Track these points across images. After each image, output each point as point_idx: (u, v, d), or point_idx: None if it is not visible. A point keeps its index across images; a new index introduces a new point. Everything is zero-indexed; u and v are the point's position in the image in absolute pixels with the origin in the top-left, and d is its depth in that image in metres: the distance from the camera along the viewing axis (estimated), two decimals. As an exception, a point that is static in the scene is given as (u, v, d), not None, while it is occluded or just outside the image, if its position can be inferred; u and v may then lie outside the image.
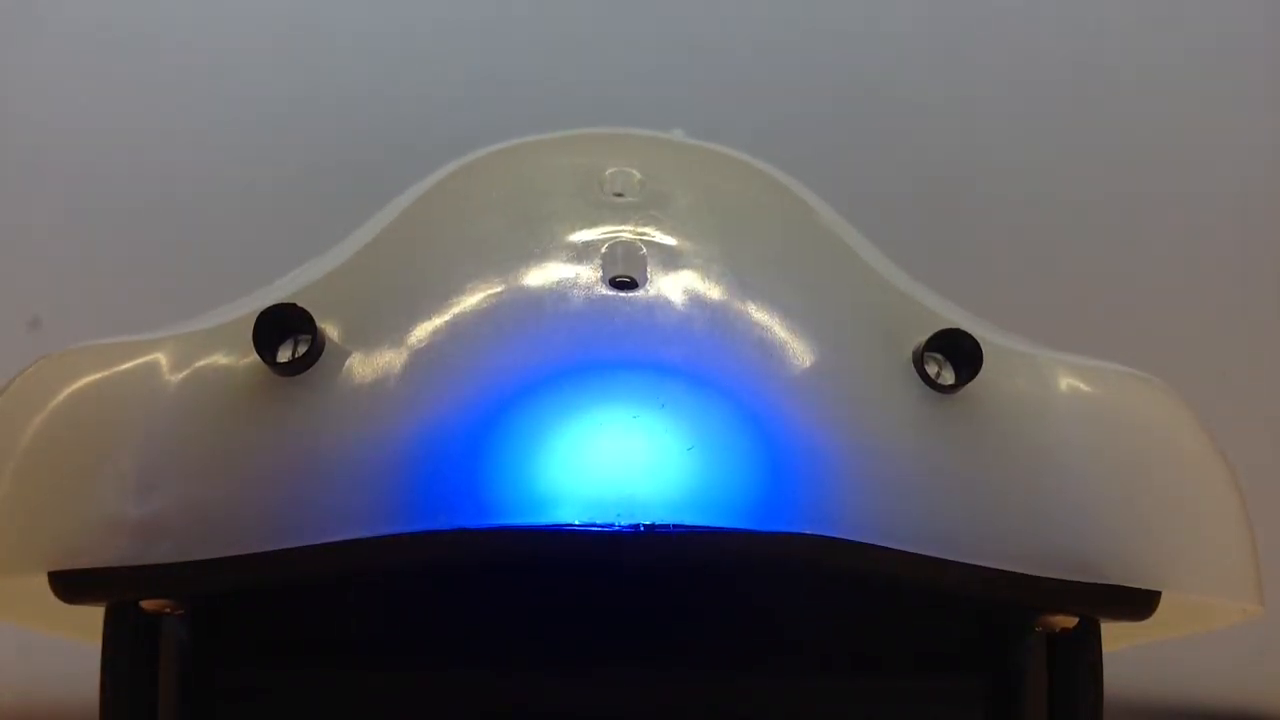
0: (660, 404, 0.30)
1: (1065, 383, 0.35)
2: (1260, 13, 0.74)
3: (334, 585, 0.40)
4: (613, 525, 0.30)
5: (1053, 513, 0.32)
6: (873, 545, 0.31)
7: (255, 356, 0.31)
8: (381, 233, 0.36)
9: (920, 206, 0.72)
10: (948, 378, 0.32)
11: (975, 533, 0.32)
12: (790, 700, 0.40)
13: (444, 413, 0.30)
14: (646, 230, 0.34)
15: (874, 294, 0.35)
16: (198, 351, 0.33)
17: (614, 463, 0.30)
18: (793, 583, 0.40)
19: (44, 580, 0.32)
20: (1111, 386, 0.36)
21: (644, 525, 0.30)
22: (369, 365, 0.31)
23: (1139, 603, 0.34)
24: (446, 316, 0.32)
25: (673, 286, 0.32)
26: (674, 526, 0.30)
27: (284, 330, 0.32)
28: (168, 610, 0.35)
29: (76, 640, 0.42)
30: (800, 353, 0.32)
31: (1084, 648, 0.35)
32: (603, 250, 0.33)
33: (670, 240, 0.34)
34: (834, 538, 0.30)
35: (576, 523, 0.30)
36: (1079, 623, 0.35)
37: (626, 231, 0.34)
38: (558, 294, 0.32)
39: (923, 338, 0.32)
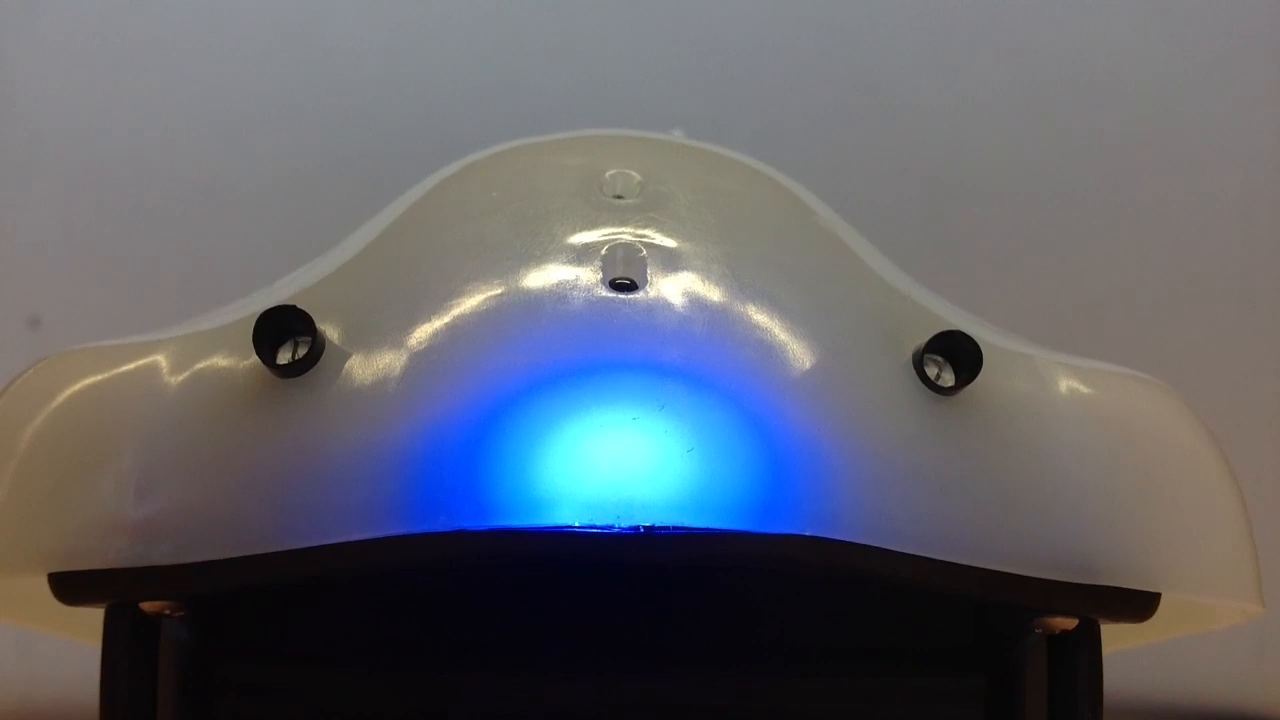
0: (660, 405, 0.30)
1: (1065, 384, 0.35)
2: (1261, 13, 0.74)
3: (333, 587, 0.40)
4: (612, 527, 0.30)
5: (1052, 514, 0.32)
6: (872, 547, 0.31)
7: (255, 358, 0.31)
8: (381, 234, 0.36)
9: (920, 207, 0.72)
10: (947, 379, 0.32)
11: (975, 534, 0.32)
12: (791, 700, 0.40)
13: (444, 414, 0.30)
14: (646, 232, 0.34)
15: (874, 295, 0.35)
16: (198, 353, 0.33)
17: (614, 464, 0.30)
18: (793, 584, 0.40)
19: (44, 581, 0.32)
20: (1111, 388, 0.36)
21: (643, 527, 0.30)
22: (369, 367, 0.31)
23: (1139, 604, 0.34)
24: (446, 318, 0.32)
25: (672, 288, 0.32)
26: (674, 528, 0.30)
27: (284, 332, 0.32)
28: (167, 611, 0.35)
29: (76, 641, 0.42)
30: (800, 354, 0.32)
31: (1084, 649, 0.35)
32: (602, 252, 0.33)
33: (670, 242, 0.34)
34: (833, 539, 0.30)
35: (576, 524, 0.30)
36: (1079, 624, 0.35)
37: (626, 233, 0.34)
38: (557, 296, 0.32)
39: (922, 339, 0.32)
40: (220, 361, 0.33)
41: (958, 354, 0.32)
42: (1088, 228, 0.73)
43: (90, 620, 0.34)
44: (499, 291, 0.32)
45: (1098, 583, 0.33)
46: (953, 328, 0.33)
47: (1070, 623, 0.35)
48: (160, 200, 0.71)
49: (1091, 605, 0.34)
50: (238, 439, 0.31)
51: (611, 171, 0.36)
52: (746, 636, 0.41)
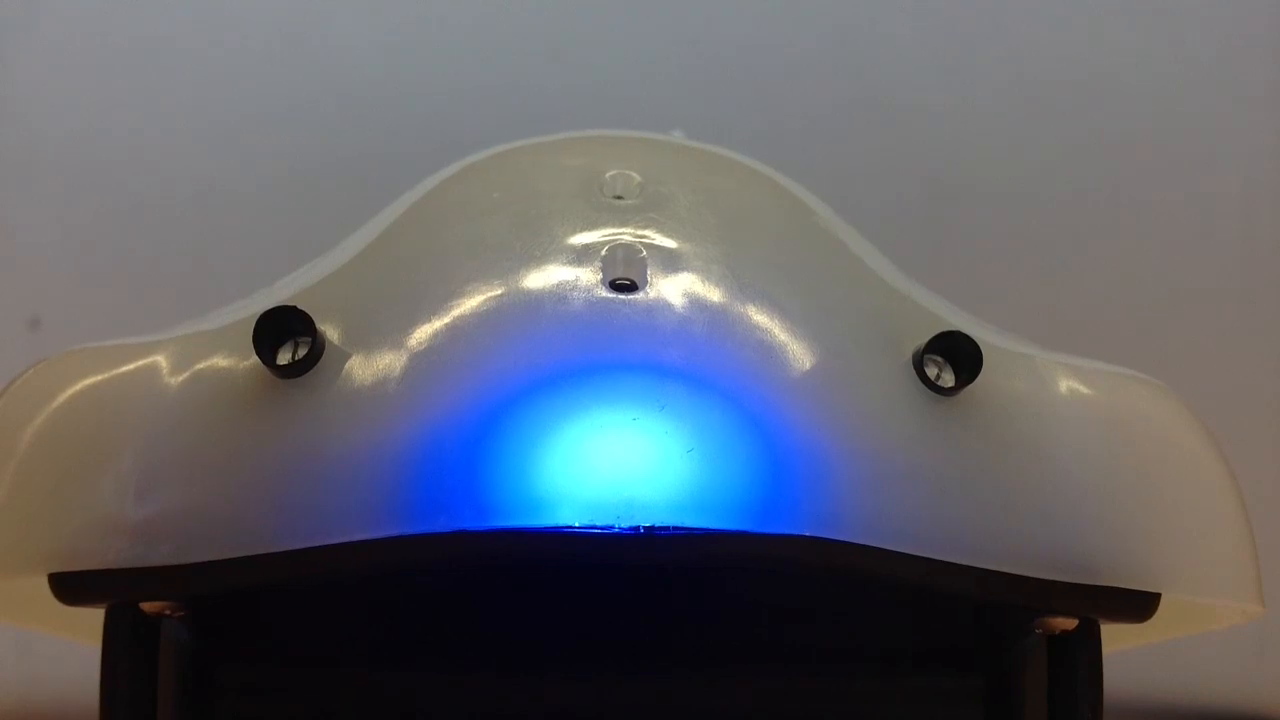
0: (660, 406, 0.30)
1: (1065, 385, 0.35)
2: (1261, 14, 0.74)
3: (334, 587, 0.40)
4: (612, 527, 0.30)
5: (1052, 514, 0.32)
6: (872, 547, 0.31)
7: (255, 359, 0.31)
8: (381, 235, 0.36)
9: (920, 208, 0.72)
10: (948, 380, 0.32)
11: (975, 534, 0.32)
12: (791, 700, 0.40)
13: (444, 415, 0.30)
14: (646, 233, 0.34)
15: (874, 296, 0.35)
16: (198, 354, 0.33)
17: (614, 465, 0.30)
18: (793, 584, 0.40)
19: (44, 582, 0.32)
20: (1111, 388, 0.36)
21: (644, 527, 0.30)
22: (369, 367, 0.31)
23: (1139, 604, 0.34)
24: (446, 319, 0.32)
25: (672, 289, 0.32)
26: (674, 528, 0.30)
27: (284, 332, 0.32)
28: (167, 612, 0.35)
29: (76, 642, 0.42)
30: (800, 355, 0.32)
31: (1084, 649, 0.35)
32: (602, 253, 0.33)
33: (670, 242, 0.34)
34: (833, 539, 0.30)
35: (576, 525, 0.30)
36: (1079, 624, 0.35)
37: (626, 234, 0.34)
38: (558, 296, 0.32)
39: (922, 340, 0.32)
40: (220, 362, 0.33)
41: (958, 354, 0.32)
42: (1088, 228, 0.73)
43: (90, 621, 0.34)
44: (499, 292, 0.32)
45: (1097, 583, 0.33)
46: (953, 328, 0.33)
47: (1070, 623, 0.35)
48: (160, 200, 0.71)
49: (1091, 605, 0.34)
50: (238, 439, 0.31)
51: (611, 172, 0.36)
52: (746, 637, 0.41)
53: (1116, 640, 0.37)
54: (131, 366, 0.34)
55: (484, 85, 0.72)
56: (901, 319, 0.34)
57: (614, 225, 0.34)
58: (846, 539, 0.30)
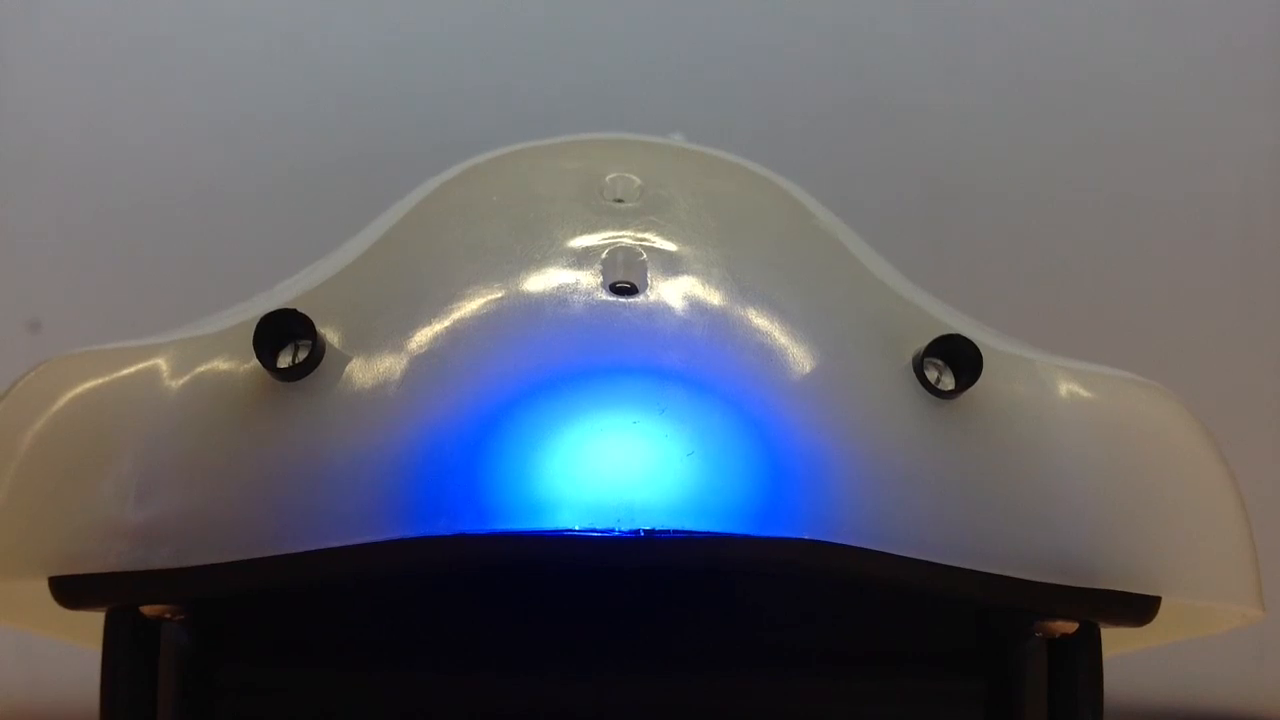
0: (660, 409, 0.30)
1: (1065, 388, 0.35)
2: (1261, 14, 0.74)
3: (334, 590, 0.40)
4: (613, 530, 0.30)
5: (1053, 518, 0.32)
6: (872, 550, 0.31)
7: (256, 362, 0.31)
8: (382, 238, 0.36)
9: (920, 211, 0.72)
10: (948, 383, 0.32)
11: (975, 537, 0.32)
12: (791, 703, 0.40)
13: (444, 418, 0.30)
14: (646, 236, 0.34)
15: (874, 299, 0.35)
16: (198, 357, 0.33)
17: (614, 468, 0.30)
18: (792, 587, 0.40)
19: (44, 585, 0.32)
20: (1111, 391, 0.36)
21: (644, 530, 0.30)
22: (369, 371, 0.31)
23: (1139, 608, 0.34)
24: (447, 322, 0.32)
25: (673, 292, 0.32)
26: (674, 531, 0.30)
27: (284, 336, 0.32)
28: (168, 615, 0.35)
29: (77, 645, 0.42)
30: (800, 358, 0.32)
31: (1084, 652, 0.35)
32: (603, 256, 0.33)
33: (670, 245, 0.34)
34: (833, 543, 0.30)
35: (576, 528, 0.30)
36: (1079, 627, 0.35)
37: (626, 237, 0.34)
38: (558, 299, 0.32)
39: (923, 343, 0.32)
40: (221, 365, 0.33)
41: (958, 357, 0.32)
42: (1088, 228, 0.73)
43: (91, 624, 0.34)
44: (499, 295, 0.32)
45: (1098, 586, 0.33)
46: (953, 331, 0.33)
47: (1070, 626, 0.35)
48: (160, 202, 0.71)
49: (1091, 609, 0.34)
50: (238, 443, 0.31)
51: (611, 175, 0.36)
52: (746, 639, 0.41)
53: (1117, 644, 0.37)
54: (132, 370, 0.34)
55: (484, 85, 0.72)
56: (901, 322, 0.34)
57: (614, 228, 0.34)
58: (846, 542, 0.30)
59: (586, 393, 0.30)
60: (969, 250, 0.72)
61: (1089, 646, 0.35)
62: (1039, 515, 0.32)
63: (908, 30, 0.73)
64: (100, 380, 0.34)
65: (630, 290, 0.32)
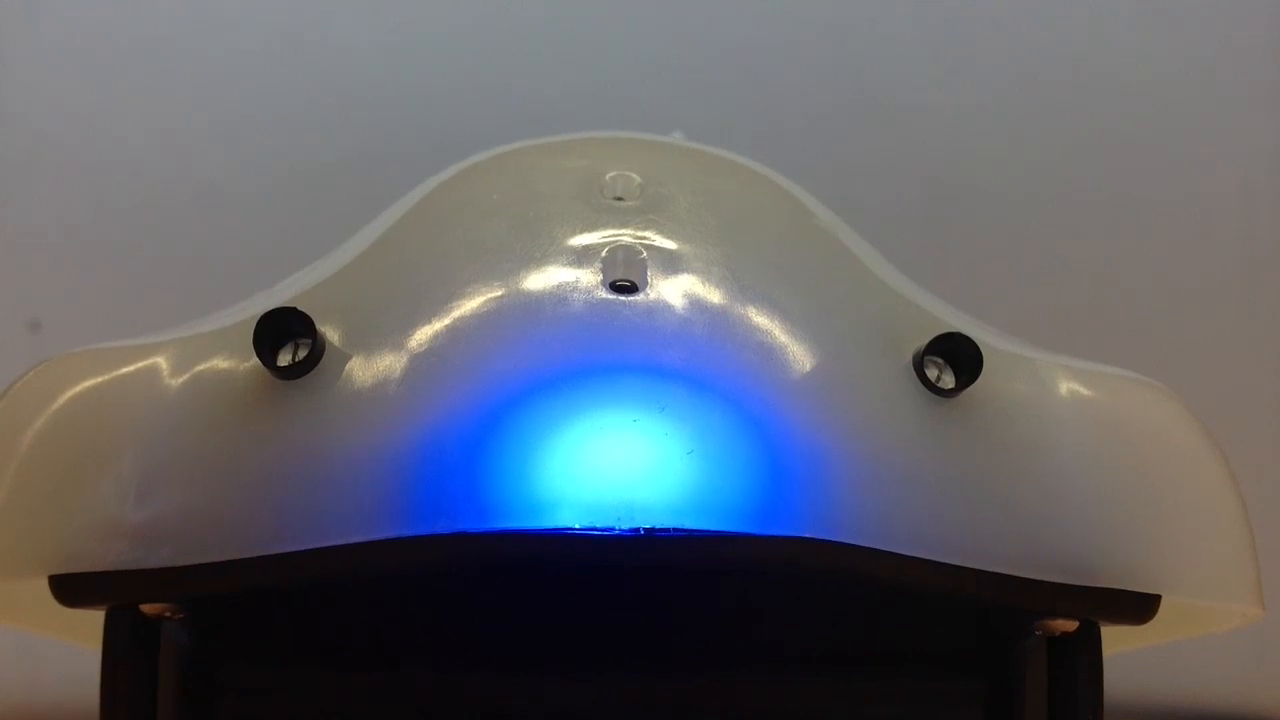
0: (660, 408, 0.30)
1: (1065, 386, 0.35)
2: (1261, 13, 0.74)
3: (333, 589, 0.40)
4: (613, 529, 0.30)
5: (1053, 516, 0.32)
6: (872, 549, 0.31)
7: (256, 360, 0.31)
8: (382, 236, 0.36)
9: (920, 209, 0.72)
10: (948, 382, 0.32)
11: (975, 536, 0.32)
12: (791, 702, 0.40)
13: (444, 416, 0.30)
14: (646, 234, 0.34)
15: (874, 297, 0.35)
16: (198, 355, 0.33)
17: (614, 466, 0.30)
18: (792, 586, 0.40)
19: (44, 584, 0.32)
20: (1112, 390, 0.36)
21: (644, 529, 0.29)
22: (369, 369, 0.31)
23: (1139, 607, 0.34)
24: (447, 320, 0.32)
25: (673, 290, 0.32)
26: (674, 530, 0.30)
27: (284, 334, 0.32)
28: (168, 614, 0.35)
29: (77, 645, 0.42)
30: (800, 356, 0.32)
31: (1084, 651, 0.35)
32: (603, 254, 0.33)
33: (670, 244, 0.34)
34: (833, 541, 0.30)
35: (576, 526, 0.30)
36: (1079, 626, 0.35)
37: (626, 235, 0.34)
38: (558, 298, 0.32)
39: (923, 341, 0.32)
40: (221, 364, 0.33)
41: (958, 356, 0.32)
42: (1088, 228, 0.73)
43: (91, 624, 0.34)
44: (499, 294, 0.32)
45: (1098, 585, 0.33)
46: (953, 330, 0.33)
47: (1070, 625, 0.35)
48: (160, 201, 0.71)
49: (1092, 607, 0.34)
50: (238, 441, 0.31)
51: (612, 174, 0.36)
52: (746, 638, 0.41)
53: (1117, 643, 0.37)
54: (132, 368, 0.34)
55: (484, 85, 0.72)
56: (901, 320, 0.34)
57: (614, 227, 0.34)
58: (846, 541, 0.30)
59: (586, 391, 0.30)
60: (969, 250, 0.72)
61: (1089, 645, 0.35)
62: (1039, 514, 0.32)
63: (908, 30, 0.73)
64: (100, 379, 0.34)
65: (630, 288, 0.32)
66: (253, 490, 0.31)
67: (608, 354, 0.31)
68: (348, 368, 0.32)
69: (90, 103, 0.71)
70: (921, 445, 0.32)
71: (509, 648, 0.40)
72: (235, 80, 0.72)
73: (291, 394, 0.31)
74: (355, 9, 0.73)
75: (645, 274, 0.33)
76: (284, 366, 0.31)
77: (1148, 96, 0.73)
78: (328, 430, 0.31)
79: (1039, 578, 0.32)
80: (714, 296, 0.33)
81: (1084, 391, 0.35)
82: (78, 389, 0.34)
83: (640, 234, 0.34)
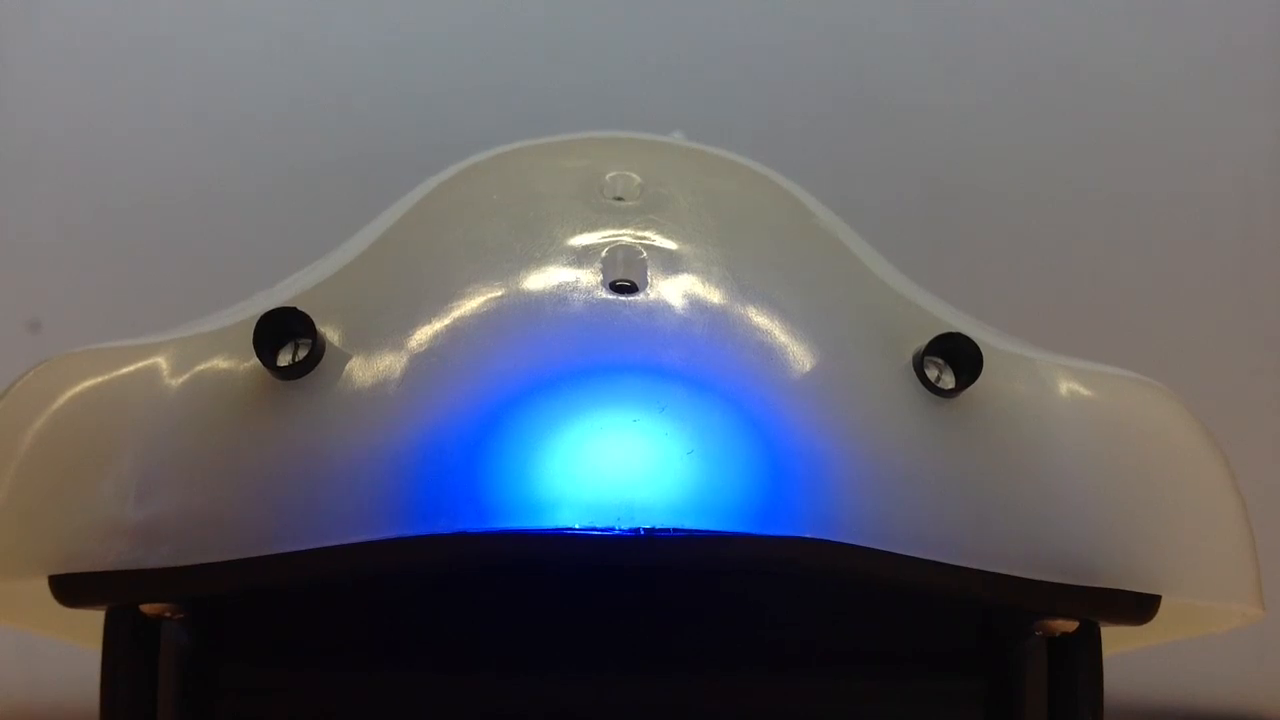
0: (660, 408, 0.30)
1: (1065, 387, 0.35)
2: (1261, 13, 0.74)
3: (333, 589, 0.40)
4: (613, 529, 0.30)
5: (1053, 516, 0.32)
6: (872, 549, 0.31)
7: (256, 360, 0.31)
8: (382, 237, 0.36)
9: (920, 209, 0.72)
10: (948, 382, 0.32)
11: (975, 536, 0.32)
12: (791, 701, 0.40)
13: (444, 416, 0.30)
14: (646, 234, 0.34)
15: (874, 297, 0.35)
16: (198, 355, 0.33)
17: (614, 467, 0.30)
18: (793, 586, 0.40)
19: (44, 584, 0.32)
20: (1112, 390, 0.36)
21: (644, 529, 0.29)
22: (369, 369, 0.31)
23: (1139, 607, 0.34)
24: (447, 320, 0.32)
25: (673, 290, 0.32)
26: (674, 530, 0.30)
27: (284, 334, 0.32)
28: (167, 614, 0.35)
29: (77, 645, 0.42)
30: (800, 357, 0.32)
31: (1084, 651, 0.35)
32: (603, 254, 0.33)
33: (670, 244, 0.34)
34: (834, 541, 0.30)
35: (576, 526, 0.30)
36: (1079, 626, 0.35)
37: (626, 235, 0.34)
38: (558, 298, 0.32)
39: (923, 342, 0.32)
40: (221, 364, 0.33)
41: (958, 356, 0.32)
42: (1088, 228, 0.73)
43: (91, 624, 0.34)
44: (499, 294, 0.32)
45: (1098, 585, 0.33)
46: (953, 330, 0.33)
47: (1070, 625, 0.35)
48: (160, 201, 0.71)
49: (1091, 608, 0.34)
50: (238, 441, 0.31)
51: (612, 174, 0.36)
52: (746, 638, 0.41)
53: (1117, 643, 0.37)
54: (132, 368, 0.34)
55: (484, 85, 0.72)
56: (901, 320, 0.34)
57: (614, 227, 0.34)
58: (846, 541, 0.30)
59: (586, 391, 0.30)
60: (969, 250, 0.72)
61: (1089, 645, 0.35)
62: (1039, 514, 0.32)
63: (908, 30, 0.73)
64: (100, 379, 0.34)
65: (630, 288, 0.32)
66: (253, 490, 0.31)
67: (608, 354, 0.31)
68: (348, 368, 0.32)
69: (90, 103, 0.71)
70: (921, 445, 0.32)
71: (509, 648, 0.40)
72: (235, 80, 0.72)
73: (291, 394, 0.31)
74: (355, 9, 0.73)
75: (645, 274, 0.33)
76: (284, 366, 0.31)
77: (1148, 96, 0.73)
78: (328, 430, 0.31)
79: (1039, 578, 0.32)
80: (714, 296, 0.33)
81: (1084, 391, 0.35)
82: (78, 389, 0.34)
83: (640, 234, 0.34)
